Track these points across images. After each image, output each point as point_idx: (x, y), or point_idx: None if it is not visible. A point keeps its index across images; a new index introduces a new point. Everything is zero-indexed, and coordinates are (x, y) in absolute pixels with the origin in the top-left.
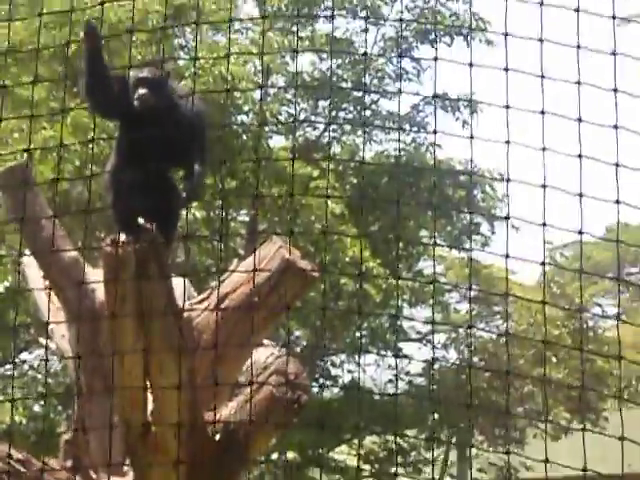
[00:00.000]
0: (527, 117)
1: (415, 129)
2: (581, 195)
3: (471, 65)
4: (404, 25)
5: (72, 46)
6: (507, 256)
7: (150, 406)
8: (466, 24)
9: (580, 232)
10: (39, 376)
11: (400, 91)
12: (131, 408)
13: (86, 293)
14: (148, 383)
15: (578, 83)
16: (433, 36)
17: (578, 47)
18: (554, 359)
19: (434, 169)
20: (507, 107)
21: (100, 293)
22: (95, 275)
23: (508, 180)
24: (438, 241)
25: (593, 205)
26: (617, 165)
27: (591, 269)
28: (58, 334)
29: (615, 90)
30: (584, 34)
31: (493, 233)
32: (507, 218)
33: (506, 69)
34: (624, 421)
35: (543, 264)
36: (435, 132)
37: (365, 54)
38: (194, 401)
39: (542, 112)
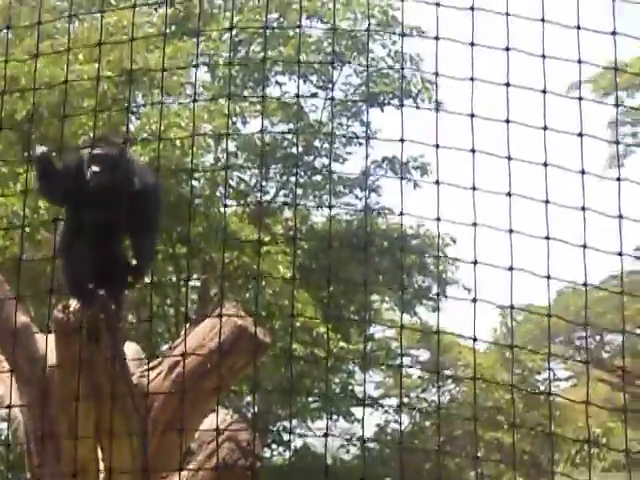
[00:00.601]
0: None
1: (366, 193)
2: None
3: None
4: (352, 89)
5: (21, 112)
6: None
7: (102, 468)
8: (415, 87)
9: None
10: None
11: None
12: (82, 471)
13: (37, 359)
14: (100, 452)
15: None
16: (382, 99)
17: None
18: (506, 425)
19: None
20: (437, 183)
21: (51, 358)
22: (46, 341)
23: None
24: (389, 305)
25: (545, 270)
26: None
27: (541, 334)
28: (8, 399)
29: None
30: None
31: (445, 297)
32: (474, 300)
33: (437, 144)
34: None
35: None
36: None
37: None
38: (146, 469)
39: (473, 188)
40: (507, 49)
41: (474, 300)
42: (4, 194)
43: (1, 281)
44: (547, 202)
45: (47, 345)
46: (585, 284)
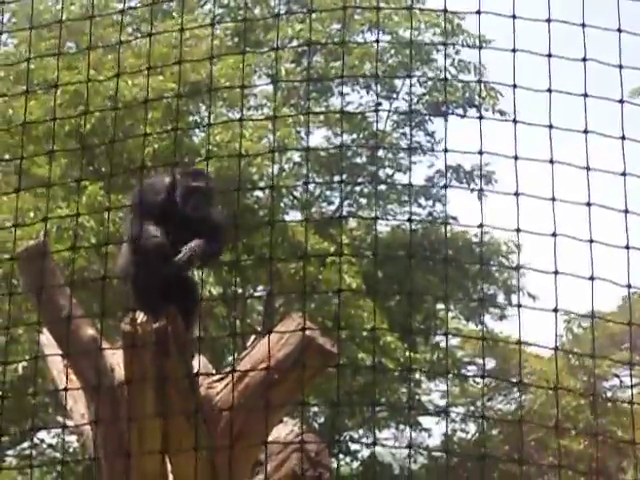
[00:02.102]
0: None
1: (430, 202)
2: (592, 278)
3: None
4: (416, 99)
5: (87, 124)
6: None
7: None
8: (477, 95)
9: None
10: (57, 455)
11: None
12: None
13: (105, 372)
14: (169, 466)
15: (587, 168)
16: (445, 108)
17: (585, 132)
18: (573, 431)
19: (448, 241)
20: (517, 194)
21: (119, 372)
22: (114, 354)
23: (518, 268)
24: (454, 314)
25: (609, 275)
26: (627, 247)
27: (607, 340)
28: (77, 413)
29: (624, 174)
30: (593, 114)
31: (510, 303)
32: (519, 306)
33: (515, 157)
34: None
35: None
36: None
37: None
38: (216, 476)
39: (553, 199)
40: (584, 60)
41: (555, 310)
42: (70, 207)
43: (68, 295)
44: (626, 211)
45: (115, 359)
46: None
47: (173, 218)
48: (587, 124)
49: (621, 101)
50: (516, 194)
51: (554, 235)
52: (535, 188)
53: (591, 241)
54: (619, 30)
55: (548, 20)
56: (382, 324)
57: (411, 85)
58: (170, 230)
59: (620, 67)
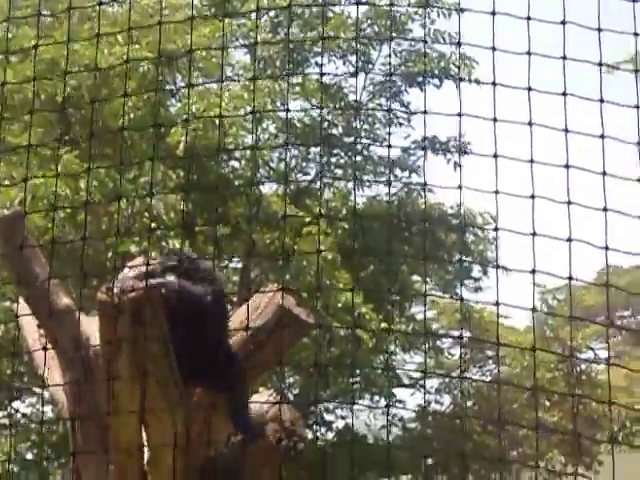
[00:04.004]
0: (519, 156)
1: (406, 173)
2: (570, 240)
3: (460, 115)
4: (392, 69)
5: (61, 94)
6: (497, 303)
7: (146, 453)
8: (454, 65)
9: (570, 278)
10: (32, 425)
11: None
12: (127, 455)
13: (81, 340)
14: (144, 430)
15: (565, 130)
16: (421, 79)
17: (564, 94)
18: (547, 403)
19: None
20: (495, 156)
21: (95, 341)
22: (90, 323)
23: (497, 229)
24: (430, 286)
25: (585, 248)
26: (605, 209)
27: (582, 313)
28: (52, 382)
29: (602, 136)
30: (572, 79)
31: (485, 275)
32: (497, 267)
33: (494, 119)
34: (621, 464)
35: (533, 309)
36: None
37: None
38: (190, 449)
39: (531, 161)
40: (563, 23)
41: (533, 271)
42: (45, 175)
43: (43, 264)
44: (605, 173)
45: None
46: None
47: None
48: (566, 87)
49: (600, 64)
50: (495, 156)
51: (532, 197)
52: (513, 159)
53: (569, 203)
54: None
55: None
56: (357, 295)
57: (389, 55)
58: None
59: (599, 30)
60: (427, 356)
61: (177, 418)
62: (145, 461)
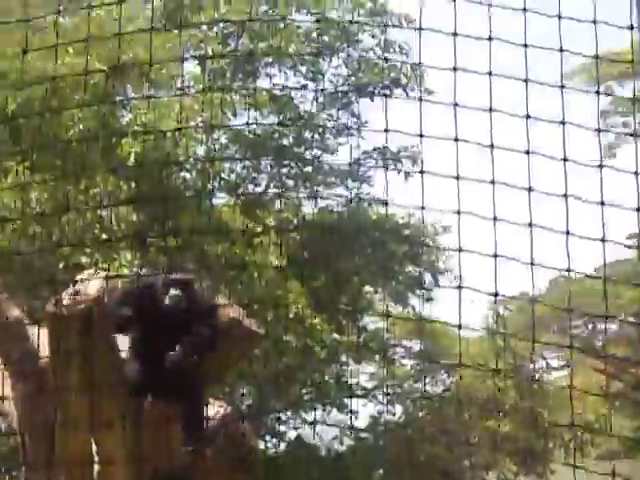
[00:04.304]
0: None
1: (357, 183)
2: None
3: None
4: (342, 80)
5: (12, 106)
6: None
7: (96, 469)
8: (404, 76)
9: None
10: None
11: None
12: (77, 468)
13: (31, 352)
14: (94, 443)
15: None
16: (371, 89)
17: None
18: (500, 413)
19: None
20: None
21: (45, 352)
22: (40, 335)
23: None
24: (381, 296)
25: (539, 258)
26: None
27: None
28: (2, 396)
29: (527, 154)
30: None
31: (437, 285)
32: (459, 287)
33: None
34: (573, 474)
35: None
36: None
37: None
38: (141, 458)
39: (456, 177)
40: (490, 39)
41: (459, 287)
42: None
43: None
44: (530, 189)
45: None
46: (569, 270)
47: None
48: (527, 73)
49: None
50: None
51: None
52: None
53: (495, 219)
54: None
55: None
56: (308, 307)
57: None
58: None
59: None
60: (383, 367)
61: (128, 430)
62: (95, 474)
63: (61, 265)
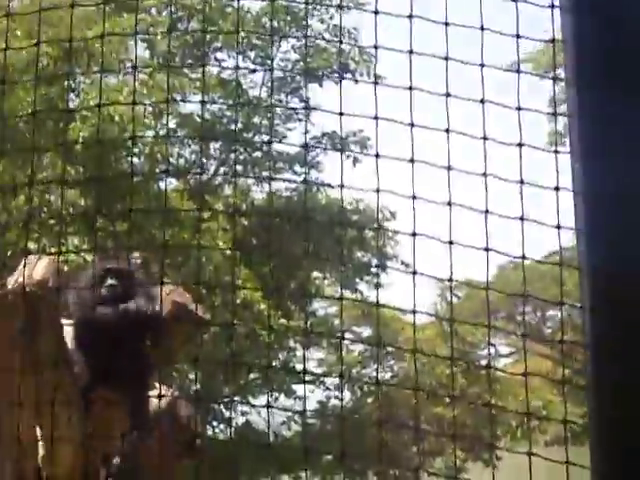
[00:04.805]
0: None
1: (305, 168)
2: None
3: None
4: (290, 65)
5: None
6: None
7: (41, 451)
8: (353, 61)
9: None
10: None
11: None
12: (23, 458)
13: None
14: (39, 432)
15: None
16: (320, 74)
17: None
18: (447, 399)
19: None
20: (412, 161)
21: None
22: None
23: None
24: (329, 282)
25: (490, 244)
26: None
27: (482, 309)
28: None
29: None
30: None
31: (384, 271)
32: (414, 273)
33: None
34: (518, 460)
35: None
36: None
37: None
38: (86, 448)
39: (449, 168)
40: (446, 24)
41: (414, 273)
42: None
43: None
44: (485, 175)
45: None
46: (523, 257)
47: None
48: (483, 58)
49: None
50: (411, 160)
51: (449, 204)
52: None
53: (449, 204)
54: None
55: None
56: (257, 291)
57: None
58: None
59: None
60: (339, 352)
61: (73, 413)
62: (39, 457)
63: (9, 253)
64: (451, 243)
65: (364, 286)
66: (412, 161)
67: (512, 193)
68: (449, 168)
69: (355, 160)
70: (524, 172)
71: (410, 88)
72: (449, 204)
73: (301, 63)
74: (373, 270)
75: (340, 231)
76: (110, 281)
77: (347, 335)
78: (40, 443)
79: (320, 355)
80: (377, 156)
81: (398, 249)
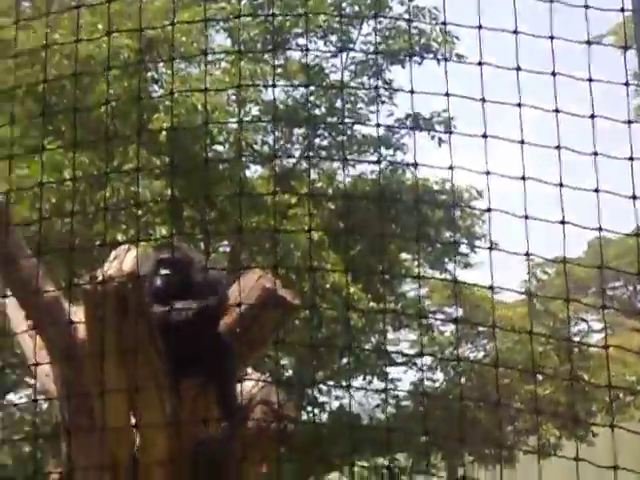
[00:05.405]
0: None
1: (391, 151)
2: (563, 222)
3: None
4: (373, 48)
5: (42, 84)
6: (492, 288)
7: (137, 442)
8: (435, 42)
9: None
10: (26, 417)
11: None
12: (118, 445)
13: (68, 331)
14: (133, 419)
15: (556, 111)
16: (403, 57)
17: (554, 74)
18: (540, 377)
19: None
20: (485, 136)
21: (82, 331)
22: (76, 313)
23: (489, 209)
24: (420, 263)
25: (576, 220)
26: (597, 190)
27: (573, 285)
28: (42, 374)
29: (592, 116)
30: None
31: (473, 251)
32: (490, 248)
33: (483, 100)
34: (614, 436)
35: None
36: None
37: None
38: (180, 435)
39: (522, 142)
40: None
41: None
42: (29, 166)
43: (28, 255)
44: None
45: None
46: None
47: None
48: (555, 66)
49: (588, 42)
50: (484, 136)
51: (523, 178)
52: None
53: (560, 185)
54: None
55: None
56: (345, 275)
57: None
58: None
59: (586, 7)
60: (420, 335)
61: (166, 400)
62: (135, 446)
63: (97, 243)
64: (526, 217)
65: (452, 266)
66: (485, 136)
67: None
68: (522, 142)
69: (440, 140)
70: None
71: (480, 63)
72: (523, 178)
73: (383, 45)
74: (461, 250)
75: (427, 211)
76: (164, 271)
77: (438, 316)
78: (134, 430)
79: (412, 337)
80: (450, 133)
81: (485, 228)
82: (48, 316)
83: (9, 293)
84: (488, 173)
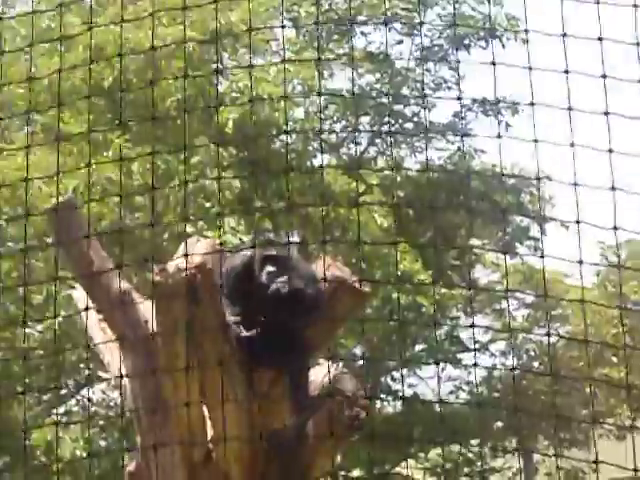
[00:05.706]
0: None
1: (457, 136)
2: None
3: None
4: (437, 33)
5: (109, 79)
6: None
7: (210, 432)
8: (499, 25)
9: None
10: (101, 410)
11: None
12: (191, 435)
13: (139, 324)
14: (206, 409)
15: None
16: (467, 41)
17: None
18: (614, 359)
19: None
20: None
21: (153, 323)
22: (147, 306)
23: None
24: (488, 248)
25: None
26: None
27: None
28: (115, 367)
29: None
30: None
31: (544, 234)
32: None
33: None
34: None
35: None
36: None
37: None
38: (253, 423)
39: (569, 108)
40: None
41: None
42: (98, 162)
43: (98, 248)
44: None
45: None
46: None
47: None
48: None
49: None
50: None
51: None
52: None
53: (610, 151)
54: None
55: None
56: (416, 263)
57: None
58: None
59: None
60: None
61: (238, 391)
62: (209, 438)
63: (166, 235)
64: (614, 189)
65: (524, 250)
66: (569, 109)
67: None
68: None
69: (507, 125)
70: None
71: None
72: (609, 150)
73: (448, 31)
74: (532, 234)
75: (498, 196)
76: (270, 268)
77: (510, 301)
78: (208, 423)
79: (486, 322)
80: (532, 104)
81: (556, 212)
82: (120, 310)
83: (79, 286)
84: (572, 145)
